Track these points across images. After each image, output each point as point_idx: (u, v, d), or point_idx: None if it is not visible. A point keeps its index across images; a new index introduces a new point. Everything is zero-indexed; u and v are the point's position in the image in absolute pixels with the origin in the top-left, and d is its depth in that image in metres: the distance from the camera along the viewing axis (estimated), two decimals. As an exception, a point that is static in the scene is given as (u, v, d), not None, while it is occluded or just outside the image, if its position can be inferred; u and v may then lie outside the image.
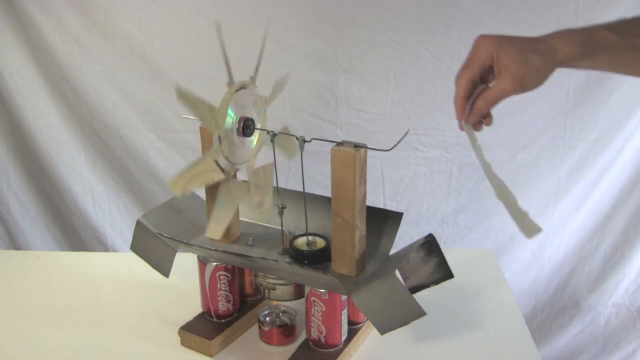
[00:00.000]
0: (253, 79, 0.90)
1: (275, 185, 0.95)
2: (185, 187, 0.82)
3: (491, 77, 0.77)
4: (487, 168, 0.81)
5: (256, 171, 0.89)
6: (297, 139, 0.88)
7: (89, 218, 1.86)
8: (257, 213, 0.87)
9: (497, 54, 0.73)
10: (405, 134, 0.83)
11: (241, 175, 0.94)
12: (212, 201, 0.94)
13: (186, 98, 0.78)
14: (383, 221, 0.96)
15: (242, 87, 0.87)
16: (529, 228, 0.78)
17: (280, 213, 0.94)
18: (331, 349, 0.94)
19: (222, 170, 0.86)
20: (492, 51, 0.73)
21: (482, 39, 0.75)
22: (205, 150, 0.94)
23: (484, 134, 1.75)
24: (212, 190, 0.94)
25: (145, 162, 1.79)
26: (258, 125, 0.91)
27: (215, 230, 0.83)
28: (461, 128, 0.82)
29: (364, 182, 0.86)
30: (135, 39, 1.67)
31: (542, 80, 0.74)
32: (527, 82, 0.74)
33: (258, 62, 0.89)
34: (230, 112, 0.86)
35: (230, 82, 0.85)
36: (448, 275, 0.93)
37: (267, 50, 0.89)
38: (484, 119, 0.81)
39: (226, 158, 0.86)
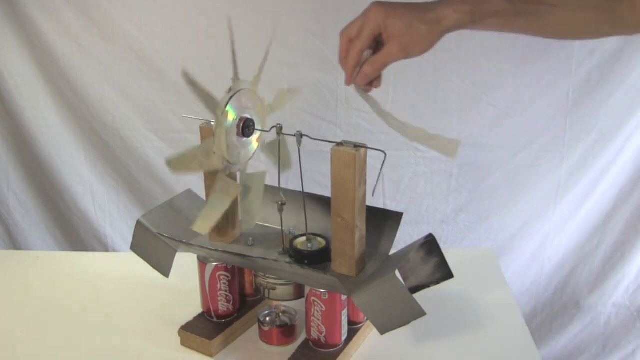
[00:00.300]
0: (256, 81, 0.90)
1: (276, 182, 0.95)
2: (182, 167, 0.83)
3: (381, 41, 0.81)
4: (385, 117, 0.85)
5: (250, 175, 0.89)
6: (294, 135, 0.88)
7: (89, 218, 1.86)
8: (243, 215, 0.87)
9: (385, 24, 0.77)
10: (384, 160, 0.85)
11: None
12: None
13: (194, 84, 0.78)
14: (383, 221, 0.96)
15: (245, 87, 0.87)
16: (448, 147, 0.81)
17: (280, 209, 0.94)
18: (331, 349, 0.94)
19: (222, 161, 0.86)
20: (381, 21, 0.78)
21: (373, 7, 0.79)
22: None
23: (484, 134, 1.76)
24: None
25: (145, 162, 1.79)
26: (258, 127, 0.91)
27: (202, 225, 0.84)
28: (347, 84, 0.86)
29: (364, 182, 0.86)
30: (135, 39, 1.66)
31: (426, 47, 0.79)
32: (411, 49, 0.78)
33: (261, 66, 0.89)
34: (232, 110, 0.86)
35: (235, 77, 0.85)
36: (448, 275, 0.93)
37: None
38: (374, 80, 0.85)
39: (223, 157, 0.86)
